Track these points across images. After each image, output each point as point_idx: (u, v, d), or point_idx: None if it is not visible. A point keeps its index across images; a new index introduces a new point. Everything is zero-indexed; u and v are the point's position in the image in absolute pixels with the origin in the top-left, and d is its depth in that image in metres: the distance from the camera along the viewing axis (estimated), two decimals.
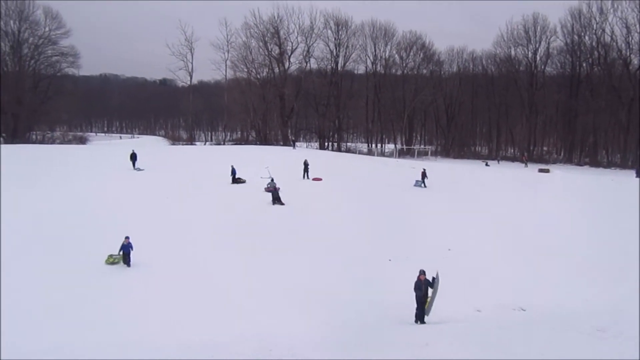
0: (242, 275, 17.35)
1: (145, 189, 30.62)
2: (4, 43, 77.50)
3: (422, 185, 36.20)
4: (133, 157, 37.79)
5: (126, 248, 17.42)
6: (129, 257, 17.46)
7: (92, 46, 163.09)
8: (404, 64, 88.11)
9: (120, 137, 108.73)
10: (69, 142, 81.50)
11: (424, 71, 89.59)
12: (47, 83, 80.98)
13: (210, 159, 47.18)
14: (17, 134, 75.28)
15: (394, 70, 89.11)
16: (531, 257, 20.51)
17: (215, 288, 16.04)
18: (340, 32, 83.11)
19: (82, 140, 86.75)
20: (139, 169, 37.34)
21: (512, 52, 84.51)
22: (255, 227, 23.50)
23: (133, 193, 29.11)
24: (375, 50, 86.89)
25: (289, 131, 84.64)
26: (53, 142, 78.24)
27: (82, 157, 45.84)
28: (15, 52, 78.46)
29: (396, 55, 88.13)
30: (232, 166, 34.60)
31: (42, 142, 77.56)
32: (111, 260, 17.54)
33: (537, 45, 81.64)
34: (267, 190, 30.20)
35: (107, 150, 56.49)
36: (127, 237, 17.53)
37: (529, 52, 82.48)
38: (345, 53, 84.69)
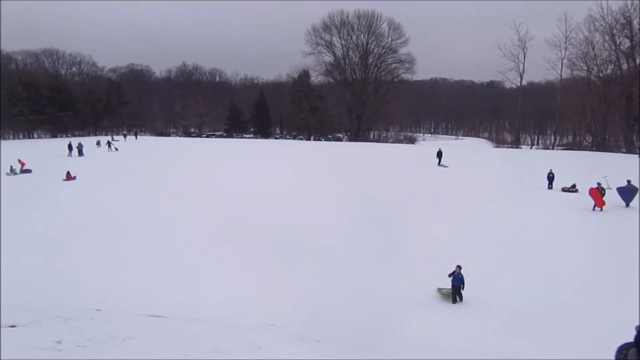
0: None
1: (446, 185, 33.31)
2: (354, 54, 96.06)
3: None
4: (439, 154, 44.71)
5: (457, 280, 14.07)
6: (460, 293, 14.14)
7: (425, 52, 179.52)
8: None
9: (424, 139, 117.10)
10: (400, 141, 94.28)
11: None
12: (386, 88, 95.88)
13: (531, 163, 47.33)
14: (359, 133, 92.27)
15: None
16: None
17: None
18: None
19: (411, 140, 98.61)
20: (443, 166, 43.39)
21: None
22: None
23: (436, 188, 31.91)
24: None
25: (635, 137, 75.90)
26: (386, 141, 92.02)
27: (401, 154, 53.69)
28: (362, 62, 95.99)
29: None
30: (550, 170, 34.09)
31: (377, 140, 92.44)
32: (444, 292, 14.63)
33: None
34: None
35: (424, 149, 63.27)
36: (458, 267, 14.19)
37: None
38: None
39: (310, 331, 11.69)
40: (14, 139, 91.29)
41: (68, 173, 34.51)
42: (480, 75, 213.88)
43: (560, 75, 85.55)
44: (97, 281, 14.63)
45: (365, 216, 23.29)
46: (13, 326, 9.01)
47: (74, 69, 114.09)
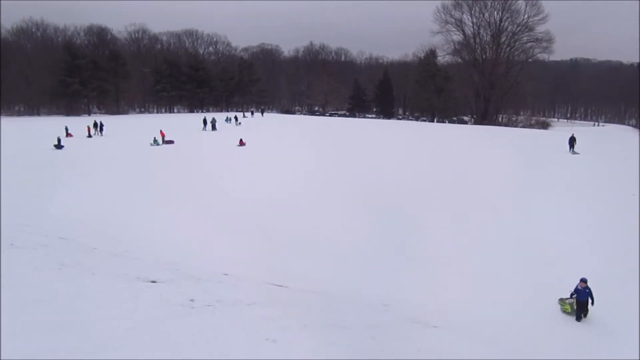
0: None
1: (575, 174, 30.41)
2: (486, 33, 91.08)
3: None
4: (572, 140, 40.36)
5: (582, 295, 12.14)
6: (586, 308, 12.22)
7: (565, 30, 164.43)
8: None
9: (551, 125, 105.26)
10: (531, 126, 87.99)
11: None
12: (519, 69, 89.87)
13: None
14: (486, 116, 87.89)
15: None
16: None
17: None
18: None
19: (544, 125, 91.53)
20: (574, 152, 39.19)
21: None
22: None
23: (562, 177, 29.01)
24: None
25: None
26: (516, 125, 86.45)
27: (531, 138, 50.66)
28: (494, 41, 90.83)
29: None
30: None
31: (506, 124, 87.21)
32: (567, 309, 12.66)
33: None
34: None
35: (557, 134, 57.88)
36: (583, 280, 12.25)
37: None
38: None
39: (426, 315, 11.51)
40: (157, 112, 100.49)
41: (241, 140, 39.93)
42: (629, 56, 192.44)
43: None
44: (226, 247, 15.71)
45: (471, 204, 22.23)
46: (154, 282, 9.96)
47: (210, 48, 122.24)
